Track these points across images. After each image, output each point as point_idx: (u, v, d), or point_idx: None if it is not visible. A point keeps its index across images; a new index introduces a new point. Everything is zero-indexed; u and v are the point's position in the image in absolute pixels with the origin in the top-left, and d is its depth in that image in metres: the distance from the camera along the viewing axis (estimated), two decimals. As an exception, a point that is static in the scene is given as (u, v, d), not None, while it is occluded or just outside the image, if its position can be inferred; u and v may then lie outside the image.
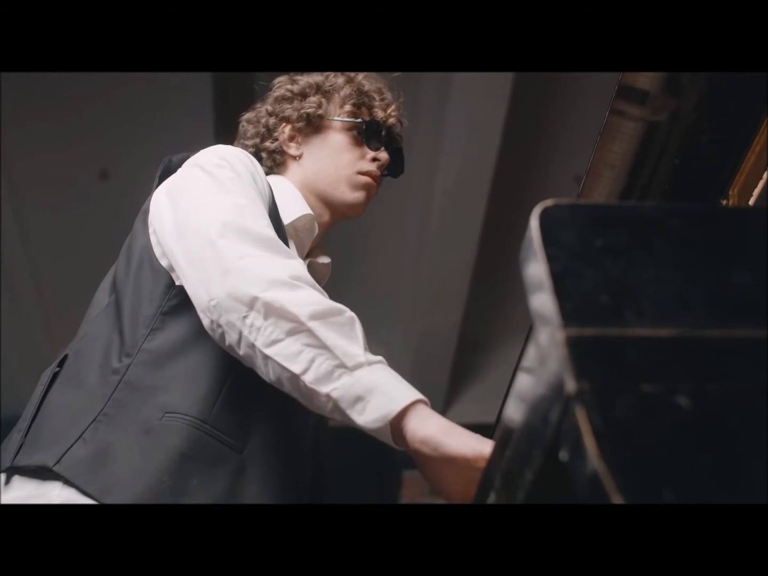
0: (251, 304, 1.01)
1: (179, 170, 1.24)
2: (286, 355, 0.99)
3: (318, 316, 1.00)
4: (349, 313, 1.03)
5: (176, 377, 1.12)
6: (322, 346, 0.98)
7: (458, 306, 4.35)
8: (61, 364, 1.20)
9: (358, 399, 0.96)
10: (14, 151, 3.71)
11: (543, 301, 0.52)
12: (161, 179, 1.27)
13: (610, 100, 1.19)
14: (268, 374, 1.03)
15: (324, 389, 0.97)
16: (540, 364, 0.53)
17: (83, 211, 4.02)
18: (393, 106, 1.42)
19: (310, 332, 0.99)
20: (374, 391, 0.96)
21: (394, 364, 1.03)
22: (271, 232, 1.11)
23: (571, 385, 0.48)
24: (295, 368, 0.98)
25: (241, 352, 1.04)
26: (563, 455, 0.49)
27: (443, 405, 4.99)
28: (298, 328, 0.99)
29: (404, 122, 1.45)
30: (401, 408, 0.95)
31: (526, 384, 0.57)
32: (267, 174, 1.33)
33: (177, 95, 3.76)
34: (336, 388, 0.97)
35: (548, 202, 0.56)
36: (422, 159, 3.92)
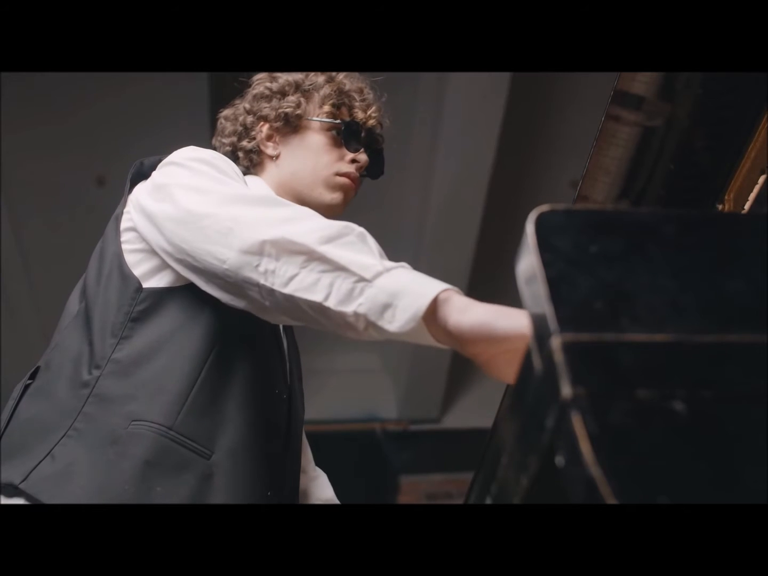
0: (260, 250, 0.98)
1: (157, 171, 1.21)
2: (305, 288, 0.95)
3: (327, 239, 0.96)
4: (359, 229, 0.98)
5: (144, 384, 1.11)
6: (338, 267, 0.94)
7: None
8: (33, 376, 1.18)
9: (385, 307, 0.89)
10: (11, 157, 3.72)
11: (538, 307, 0.52)
12: (133, 182, 1.25)
13: (606, 106, 1.19)
14: (296, 314, 0.99)
15: (350, 308, 0.92)
16: (536, 370, 0.53)
17: (80, 218, 4.02)
18: (374, 107, 1.38)
19: (322, 258, 0.95)
20: (399, 293, 0.89)
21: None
22: (265, 192, 1.07)
23: (566, 391, 0.48)
24: (317, 297, 0.94)
25: (267, 304, 1.00)
26: (559, 461, 0.49)
27: (439, 412, 5.00)
28: (310, 257, 0.95)
29: (385, 123, 1.41)
30: (430, 300, 0.87)
31: (522, 390, 0.57)
32: (243, 174, 1.30)
33: (174, 102, 3.76)
34: (361, 303, 0.91)
35: (544, 208, 0.56)
36: (418, 164, 3.93)
